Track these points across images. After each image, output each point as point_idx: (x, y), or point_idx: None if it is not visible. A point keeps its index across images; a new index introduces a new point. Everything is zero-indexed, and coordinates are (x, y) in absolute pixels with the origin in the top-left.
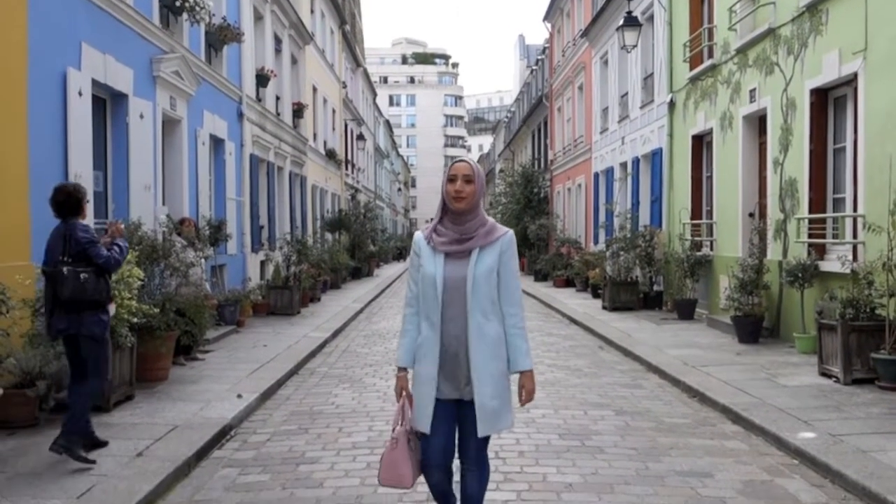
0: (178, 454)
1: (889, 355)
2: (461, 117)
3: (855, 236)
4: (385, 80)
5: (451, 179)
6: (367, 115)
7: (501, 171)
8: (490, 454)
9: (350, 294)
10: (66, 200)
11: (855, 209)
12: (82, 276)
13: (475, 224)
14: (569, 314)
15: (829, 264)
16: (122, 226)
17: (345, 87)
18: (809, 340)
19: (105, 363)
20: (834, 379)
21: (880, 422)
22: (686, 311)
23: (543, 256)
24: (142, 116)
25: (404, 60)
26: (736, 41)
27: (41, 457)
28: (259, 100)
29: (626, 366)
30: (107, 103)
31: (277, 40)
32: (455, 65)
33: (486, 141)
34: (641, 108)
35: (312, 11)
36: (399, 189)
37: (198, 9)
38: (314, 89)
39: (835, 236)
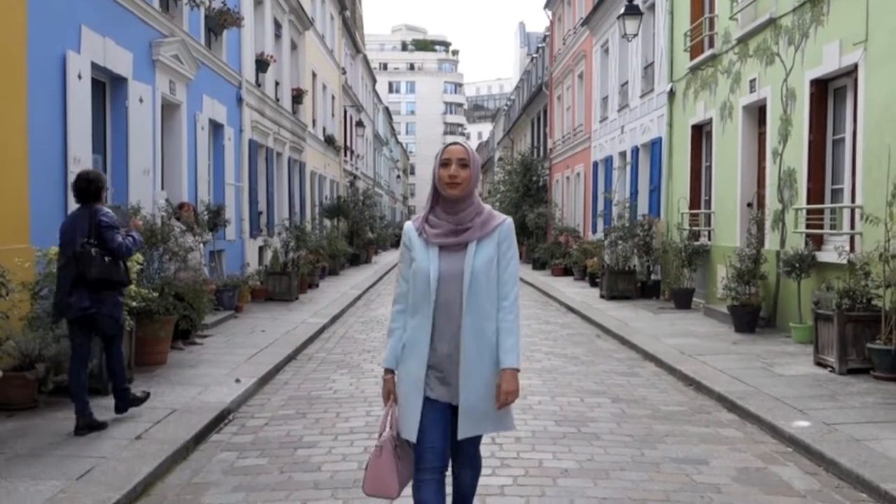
0: (177, 437)
1: (884, 345)
2: (461, 105)
3: (852, 227)
4: (385, 66)
5: (444, 164)
6: (367, 102)
7: (500, 159)
8: (487, 440)
9: (348, 280)
10: (87, 187)
11: (853, 200)
12: (107, 258)
13: (471, 212)
14: (566, 302)
15: (827, 255)
16: (141, 222)
17: (344, 73)
18: (805, 330)
19: (121, 339)
20: (829, 369)
21: (875, 411)
22: (683, 300)
23: (542, 245)
24: (141, 100)
25: (404, 47)
26: (737, 31)
27: (40, 438)
28: (258, 85)
29: (622, 354)
30: (106, 87)
31: (277, 25)
32: (455, 52)
33: (485, 129)
34: (641, 97)
35: None
36: (398, 176)
37: None
38: (314, 75)
39: (832, 227)
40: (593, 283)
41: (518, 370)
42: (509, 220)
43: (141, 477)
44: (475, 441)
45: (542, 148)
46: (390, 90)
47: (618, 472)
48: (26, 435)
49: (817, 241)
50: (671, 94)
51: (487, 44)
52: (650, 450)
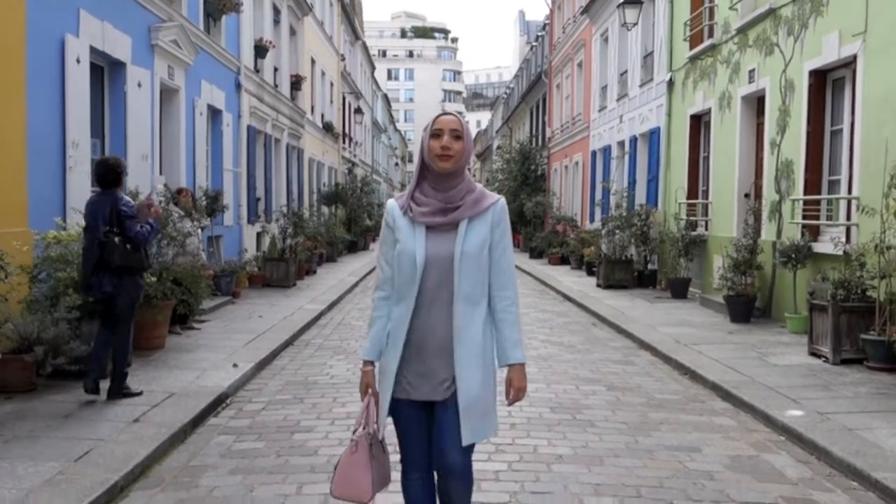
0: (175, 421)
1: (878, 336)
2: (459, 92)
3: (849, 218)
4: (384, 53)
5: (435, 135)
6: (366, 89)
7: (499, 147)
8: None
9: (346, 267)
10: (107, 173)
11: (850, 191)
12: (128, 245)
13: (461, 189)
14: (563, 291)
15: (823, 246)
16: (161, 210)
17: (343, 59)
18: (800, 320)
19: (131, 322)
20: (823, 359)
21: (867, 401)
22: (679, 289)
23: (539, 233)
24: (139, 85)
25: (403, 34)
26: (736, 21)
27: (38, 421)
28: (257, 71)
29: (618, 343)
30: (104, 71)
31: (276, 11)
32: (454, 39)
33: (484, 117)
34: (640, 86)
35: None
36: (396, 164)
37: None
38: (312, 61)
39: (829, 218)
40: (590, 272)
41: (525, 364)
42: (503, 199)
43: (139, 459)
44: (465, 450)
45: (540, 137)
46: (389, 77)
47: (612, 458)
48: (25, 417)
49: (814, 232)
50: (670, 83)
51: (487, 32)
52: (644, 437)
